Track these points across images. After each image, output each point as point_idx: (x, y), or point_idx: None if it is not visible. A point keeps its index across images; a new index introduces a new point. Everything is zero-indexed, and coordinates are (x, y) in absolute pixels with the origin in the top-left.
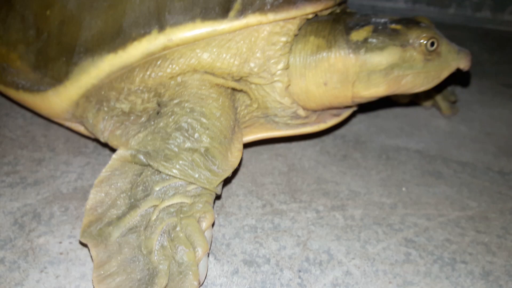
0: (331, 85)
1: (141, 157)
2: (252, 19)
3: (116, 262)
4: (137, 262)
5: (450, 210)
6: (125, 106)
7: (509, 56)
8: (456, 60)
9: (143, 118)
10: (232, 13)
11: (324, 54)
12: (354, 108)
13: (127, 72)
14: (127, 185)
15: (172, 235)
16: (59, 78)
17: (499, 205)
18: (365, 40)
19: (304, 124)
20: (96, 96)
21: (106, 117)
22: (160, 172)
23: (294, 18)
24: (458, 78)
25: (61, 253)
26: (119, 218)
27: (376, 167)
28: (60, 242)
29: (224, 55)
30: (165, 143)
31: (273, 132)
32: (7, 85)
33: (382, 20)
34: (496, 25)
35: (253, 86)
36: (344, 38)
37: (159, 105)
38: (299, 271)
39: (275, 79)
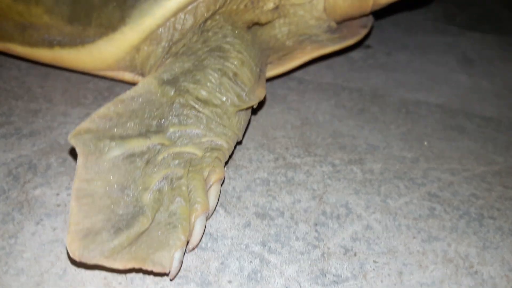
0: None
1: (167, 76)
2: None
3: (102, 184)
4: (125, 194)
5: (475, 164)
6: (183, 42)
7: None
8: None
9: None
10: None
11: None
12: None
13: (189, 9)
14: (144, 114)
15: (174, 184)
16: (112, 26)
17: None
18: None
19: (343, 38)
20: (159, 37)
21: (167, 55)
22: (184, 103)
23: None
24: None
25: (58, 205)
26: (124, 138)
27: (395, 121)
28: (58, 194)
29: None
30: (194, 65)
31: (322, 50)
32: (34, 45)
33: None
34: None
35: (291, 10)
36: None
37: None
38: (316, 224)
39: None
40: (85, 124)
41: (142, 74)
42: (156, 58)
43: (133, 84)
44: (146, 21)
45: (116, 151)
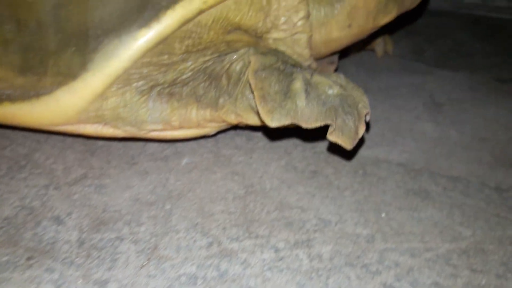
0: (355, 25)
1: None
2: None
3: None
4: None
5: (439, 241)
6: (171, 76)
7: (503, 46)
8: None
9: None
10: None
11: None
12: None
13: (162, 45)
14: (273, 76)
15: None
16: (72, 73)
17: (497, 232)
18: None
19: None
20: (129, 79)
21: (153, 94)
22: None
23: None
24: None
25: None
26: (288, 91)
27: (351, 186)
28: None
29: (250, 11)
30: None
31: None
32: None
33: None
34: (487, 11)
35: (270, 41)
36: None
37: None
38: None
39: (298, 30)
40: (264, 109)
41: (115, 126)
42: (134, 101)
43: (95, 137)
44: (112, 65)
45: (302, 95)
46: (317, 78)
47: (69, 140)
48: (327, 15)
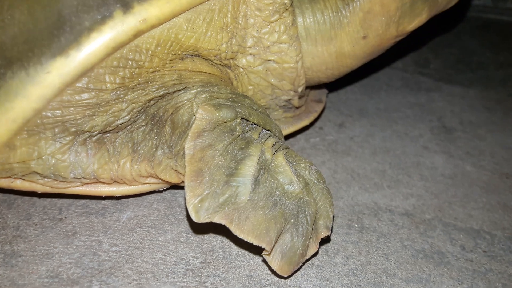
0: (372, 35)
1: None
2: None
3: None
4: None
5: None
6: (100, 121)
7: None
8: None
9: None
10: None
11: (356, 3)
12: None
13: (87, 79)
14: (221, 143)
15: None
16: None
17: None
18: None
19: (298, 117)
20: (43, 124)
21: (76, 144)
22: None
23: None
24: None
25: None
26: (233, 174)
27: (343, 249)
28: None
29: (209, 30)
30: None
31: None
32: None
33: None
34: (497, 14)
35: (241, 70)
36: None
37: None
38: None
39: (271, 57)
40: (190, 194)
41: (32, 180)
42: (54, 152)
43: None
44: (17, 106)
45: (246, 188)
46: (279, 161)
47: None
48: (333, 26)
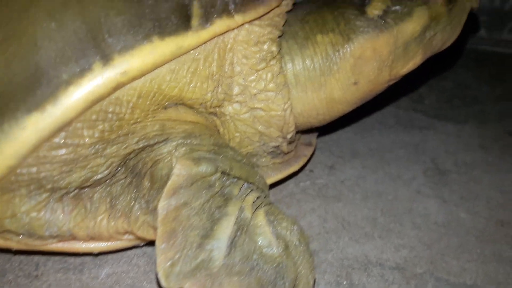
0: (363, 81)
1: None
2: (221, 25)
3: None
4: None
5: None
6: (78, 177)
7: None
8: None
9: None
10: (194, 21)
11: (346, 49)
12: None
13: (64, 133)
14: (198, 200)
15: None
16: None
17: None
18: (387, 11)
19: (286, 163)
20: (17, 181)
21: (52, 201)
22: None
23: (266, 14)
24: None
25: None
26: (208, 235)
27: None
28: None
29: (194, 80)
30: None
31: None
32: None
33: None
34: (492, 45)
35: (227, 118)
36: (363, 19)
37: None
38: None
39: (258, 105)
40: (161, 258)
41: (5, 238)
42: (28, 210)
43: None
44: None
45: (220, 252)
46: (259, 221)
47: None
48: (323, 72)
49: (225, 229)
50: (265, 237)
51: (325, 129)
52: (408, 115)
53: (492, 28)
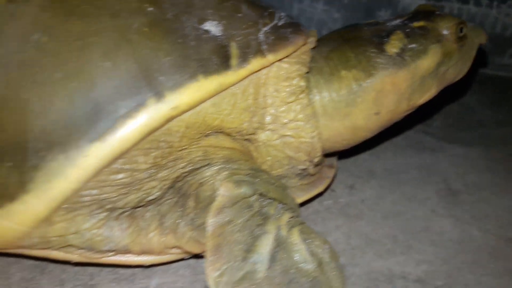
0: (384, 111)
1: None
2: (256, 63)
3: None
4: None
5: None
6: (134, 198)
7: None
8: (478, 36)
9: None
10: (234, 61)
11: (368, 83)
12: (337, 155)
13: (122, 160)
14: (240, 219)
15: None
16: (8, 194)
17: None
18: (404, 49)
19: (312, 184)
20: (80, 202)
21: (110, 219)
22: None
23: (294, 53)
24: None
25: None
26: (251, 250)
27: None
28: None
29: (233, 112)
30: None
31: None
32: None
33: (399, 22)
34: (494, 70)
35: (260, 144)
36: (382, 57)
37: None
38: None
39: (288, 132)
40: (211, 269)
41: (67, 251)
42: (90, 227)
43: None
44: (57, 186)
45: (262, 265)
46: (294, 239)
47: None
48: (348, 104)
49: (266, 245)
50: (301, 254)
51: (343, 150)
52: (419, 138)
53: (493, 53)
